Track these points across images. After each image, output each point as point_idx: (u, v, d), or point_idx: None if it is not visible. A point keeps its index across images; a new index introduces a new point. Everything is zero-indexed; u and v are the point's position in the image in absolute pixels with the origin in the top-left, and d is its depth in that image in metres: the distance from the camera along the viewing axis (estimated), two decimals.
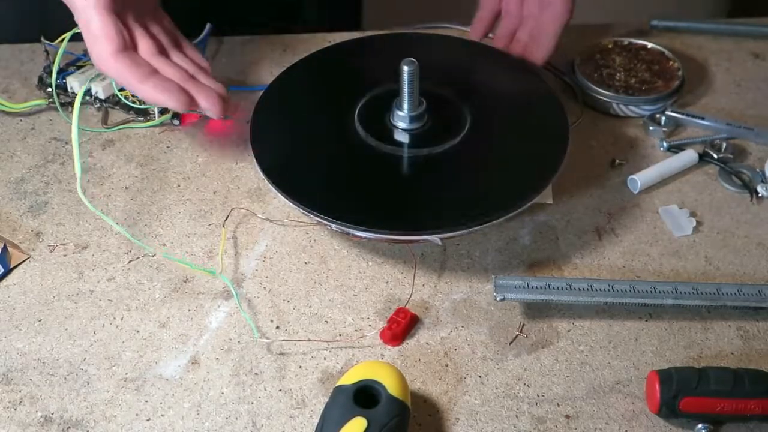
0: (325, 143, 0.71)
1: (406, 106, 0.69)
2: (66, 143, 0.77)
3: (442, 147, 0.69)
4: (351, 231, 0.63)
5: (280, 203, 0.71)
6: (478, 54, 0.79)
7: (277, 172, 0.66)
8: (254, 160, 0.68)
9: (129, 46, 0.66)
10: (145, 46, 0.67)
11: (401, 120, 0.69)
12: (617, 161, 0.75)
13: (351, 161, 0.69)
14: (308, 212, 0.64)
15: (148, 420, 0.57)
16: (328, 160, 0.70)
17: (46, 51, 0.81)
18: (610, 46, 0.85)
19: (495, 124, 0.72)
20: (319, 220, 0.64)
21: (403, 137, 0.69)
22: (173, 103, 0.66)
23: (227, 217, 0.70)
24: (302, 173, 0.67)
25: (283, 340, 0.62)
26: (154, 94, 0.65)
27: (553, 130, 0.70)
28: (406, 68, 0.67)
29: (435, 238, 0.63)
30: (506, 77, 0.77)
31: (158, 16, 0.71)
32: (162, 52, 0.69)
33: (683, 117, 0.79)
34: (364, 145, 0.69)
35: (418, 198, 0.67)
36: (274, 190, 0.66)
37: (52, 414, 0.58)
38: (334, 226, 0.63)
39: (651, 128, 0.78)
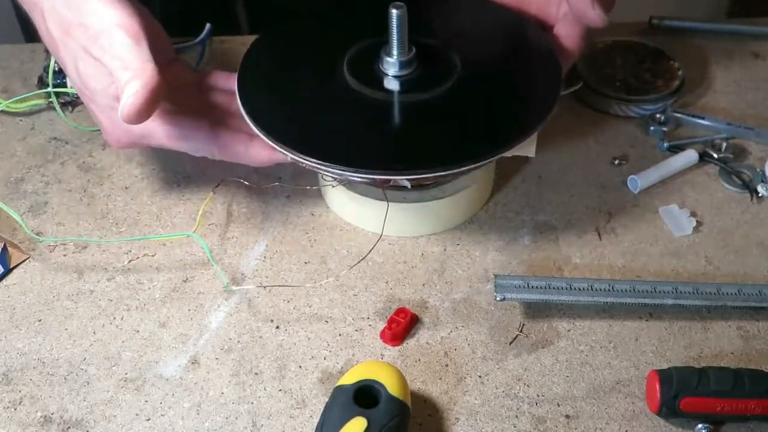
0: (314, 92, 0.68)
1: (395, 51, 0.66)
2: (66, 143, 0.77)
3: (430, 93, 0.66)
4: (323, 170, 0.61)
5: (279, 200, 0.71)
6: (474, 5, 0.76)
7: (260, 115, 0.64)
8: (241, 107, 0.65)
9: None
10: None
11: (391, 66, 0.67)
12: (617, 161, 0.75)
13: (336, 107, 0.66)
14: (284, 150, 0.62)
15: (148, 420, 0.57)
16: (314, 107, 0.67)
17: (46, 51, 0.81)
18: (610, 46, 0.85)
19: (486, 72, 0.69)
20: (293, 157, 0.62)
21: (393, 84, 0.66)
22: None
23: (218, 186, 0.71)
24: (288, 119, 0.65)
25: (258, 286, 0.63)
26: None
27: (544, 81, 0.67)
28: (394, 11, 0.64)
29: (404, 180, 0.61)
30: (500, 27, 0.74)
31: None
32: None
33: (683, 117, 0.79)
34: (353, 91, 0.66)
35: (390, 142, 0.65)
36: (258, 133, 0.64)
37: (52, 414, 0.58)
38: (307, 164, 0.61)
39: (651, 128, 0.78)
